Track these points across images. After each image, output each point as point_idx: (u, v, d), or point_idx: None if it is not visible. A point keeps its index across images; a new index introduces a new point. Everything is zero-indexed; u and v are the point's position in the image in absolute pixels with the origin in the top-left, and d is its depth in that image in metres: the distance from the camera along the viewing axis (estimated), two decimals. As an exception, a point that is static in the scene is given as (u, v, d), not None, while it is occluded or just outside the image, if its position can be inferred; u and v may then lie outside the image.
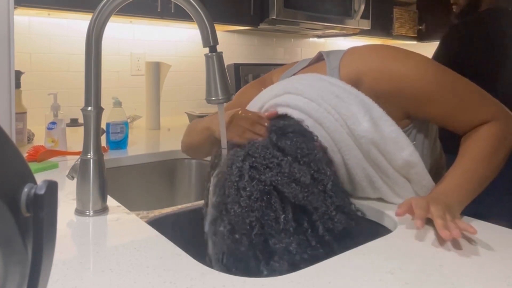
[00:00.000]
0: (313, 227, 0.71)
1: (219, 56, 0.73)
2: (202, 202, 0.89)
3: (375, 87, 0.82)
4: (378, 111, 0.79)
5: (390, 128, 0.78)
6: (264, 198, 0.68)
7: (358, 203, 0.88)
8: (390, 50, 0.85)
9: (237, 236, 0.68)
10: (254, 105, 0.91)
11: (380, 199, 0.87)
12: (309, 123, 0.79)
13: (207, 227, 0.76)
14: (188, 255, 0.63)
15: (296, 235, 0.69)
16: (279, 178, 0.69)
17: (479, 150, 0.80)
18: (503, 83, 1.73)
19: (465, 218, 0.79)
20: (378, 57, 0.83)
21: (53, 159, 1.19)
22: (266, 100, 0.88)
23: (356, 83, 0.83)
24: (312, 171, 0.71)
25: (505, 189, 1.71)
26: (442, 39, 1.87)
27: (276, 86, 0.88)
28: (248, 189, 0.68)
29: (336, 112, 0.79)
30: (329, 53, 0.91)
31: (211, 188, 0.78)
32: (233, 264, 0.69)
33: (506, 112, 0.84)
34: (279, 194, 0.70)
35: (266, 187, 0.69)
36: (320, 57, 0.94)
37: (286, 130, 0.77)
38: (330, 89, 0.80)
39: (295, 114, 0.81)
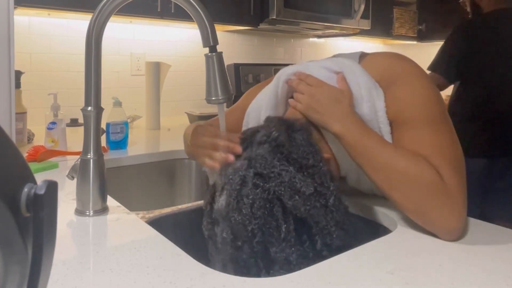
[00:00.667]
0: (312, 240, 0.71)
1: (219, 56, 0.73)
2: (202, 202, 0.89)
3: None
4: (380, 105, 0.79)
5: (381, 125, 0.79)
6: (267, 206, 0.68)
7: (359, 203, 0.88)
8: (406, 66, 0.82)
9: (239, 243, 0.68)
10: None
11: (380, 199, 0.87)
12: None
13: (206, 233, 0.76)
14: (188, 255, 0.63)
15: (296, 246, 0.69)
16: (282, 189, 0.68)
17: (406, 159, 0.72)
18: (508, 82, 1.74)
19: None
20: (393, 71, 0.83)
21: (53, 159, 1.19)
22: (283, 72, 0.88)
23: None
24: (316, 184, 0.70)
25: (509, 191, 1.71)
26: (448, 39, 1.87)
27: (297, 66, 0.89)
28: (251, 196, 0.67)
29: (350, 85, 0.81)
30: (341, 55, 0.92)
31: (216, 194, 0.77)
32: (234, 271, 0.69)
33: (453, 184, 0.70)
34: (281, 204, 0.69)
35: (270, 196, 0.68)
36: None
37: (295, 138, 0.75)
38: (351, 64, 0.83)
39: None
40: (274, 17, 2.04)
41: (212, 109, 1.87)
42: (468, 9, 1.98)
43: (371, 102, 0.79)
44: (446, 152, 0.73)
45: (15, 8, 1.17)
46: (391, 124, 0.79)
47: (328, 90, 0.79)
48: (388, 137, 0.78)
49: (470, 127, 1.71)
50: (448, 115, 0.79)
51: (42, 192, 0.30)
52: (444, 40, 1.89)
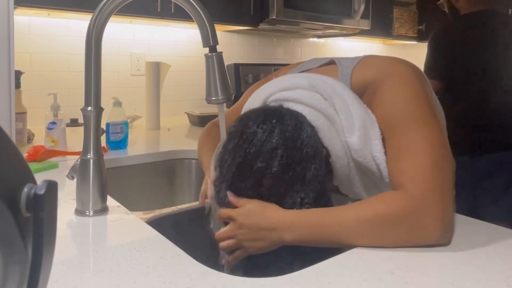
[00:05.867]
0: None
1: (219, 56, 0.73)
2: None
3: (367, 102, 0.80)
4: (375, 133, 0.77)
5: (376, 154, 0.76)
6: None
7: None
8: (397, 69, 0.80)
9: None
10: (258, 97, 0.86)
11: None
12: (321, 122, 0.77)
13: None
14: (188, 255, 0.63)
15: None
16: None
17: (365, 209, 0.69)
18: (490, 83, 1.74)
19: (464, 218, 0.79)
20: (383, 73, 0.80)
21: (53, 159, 1.19)
22: (273, 91, 0.83)
23: (360, 94, 0.82)
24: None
25: (501, 190, 1.72)
26: (430, 43, 1.89)
27: (286, 79, 0.84)
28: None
29: (339, 114, 0.78)
30: (340, 59, 0.89)
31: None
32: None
33: (425, 197, 0.67)
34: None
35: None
36: (331, 62, 0.91)
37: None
38: (343, 91, 0.79)
39: (305, 111, 0.77)
40: (274, 17, 2.04)
41: (212, 109, 1.87)
42: (447, 10, 1.99)
43: (362, 132, 0.76)
44: (425, 157, 0.70)
45: (15, 8, 1.17)
46: (384, 133, 0.77)
47: (248, 213, 0.73)
48: (383, 167, 0.76)
49: (456, 129, 1.72)
50: (435, 115, 0.76)
51: (42, 192, 0.30)
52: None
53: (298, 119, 0.75)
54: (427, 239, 0.67)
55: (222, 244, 0.75)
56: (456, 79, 1.77)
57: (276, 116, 0.74)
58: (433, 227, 0.66)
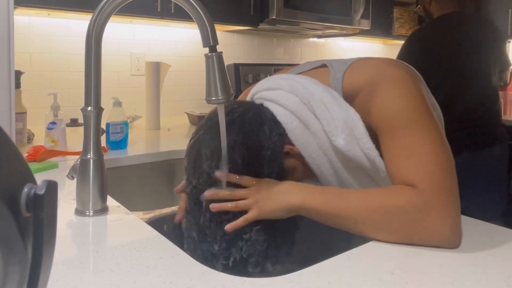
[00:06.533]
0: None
1: (219, 56, 0.73)
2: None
3: (361, 105, 0.80)
4: (361, 131, 0.77)
5: (368, 151, 0.77)
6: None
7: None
8: (392, 72, 0.80)
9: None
10: (249, 95, 0.93)
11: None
12: (294, 125, 0.80)
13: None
14: (188, 255, 0.63)
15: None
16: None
17: (374, 200, 0.69)
18: (464, 82, 1.75)
19: (464, 218, 0.79)
20: (378, 76, 0.80)
21: (53, 159, 1.19)
22: (258, 90, 0.88)
23: (353, 96, 0.82)
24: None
25: (483, 185, 1.72)
26: (406, 45, 1.90)
27: (272, 79, 0.88)
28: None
29: (319, 119, 0.79)
30: (332, 62, 0.89)
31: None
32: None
33: (432, 189, 0.67)
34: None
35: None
36: (323, 65, 0.91)
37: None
38: (321, 95, 0.79)
39: (280, 112, 0.81)
40: (274, 17, 2.04)
41: (212, 109, 1.86)
42: (424, 15, 2.01)
43: (346, 133, 0.76)
44: (430, 158, 0.70)
45: (15, 8, 1.17)
46: (376, 136, 0.77)
47: (265, 181, 0.76)
48: (378, 160, 0.76)
49: None
50: (433, 115, 0.76)
51: (42, 192, 0.30)
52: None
53: (261, 118, 0.80)
54: (432, 238, 0.66)
55: (238, 203, 0.74)
56: (430, 80, 1.78)
57: (240, 111, 0.80)
58: (441, 228, 0.66)
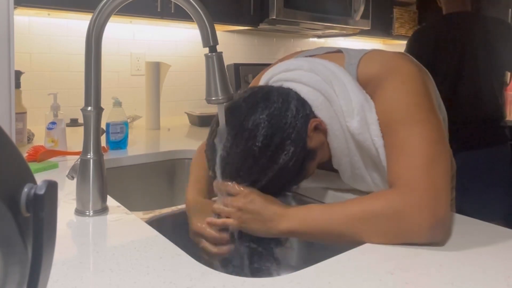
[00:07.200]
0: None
1: (219, 56, 0.73)
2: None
3: (370, 94, 0.81)
4: (372, 117, 0.78)
5: (375, 138, 0.77)
6: None
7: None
8: (403, 67, 0.80)
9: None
10: (262, 80, 0.91)
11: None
12: (320, 101, 0.80)
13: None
14: (188, 255, 0.63)
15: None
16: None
17: (356, 206, 0.71)
18: (465, 81, 1.76)
19: (464, 218, 0.79)
20: (390, 69, 0.80)
21: (53, 159, 1.19)
22: (274, 73, 0.88)
23: (364, 85, 0.82)
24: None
25: (485, 185, 1.72)
26: (409, 42, 1.91)
27: (288, 62, 0.88)
28: None
29: (339, 98, 0.79)
30: (348, 49, 0.90)
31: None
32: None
33: (420, 194, 0.67)
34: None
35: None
36: (339, 51, 0.92)
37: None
38: (342, 76, 0.81)
39: (304, 90, 0.81)
40: (274, 17, 2.04)
41: (212, 109, 1.87)
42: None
43: (361, 116, 0.77)
44: (418, 154, 0.71)
45: (15, 8, 1.17)
46: (382, 129, 0.77)
47: (253, 196, 0.75)
48: (381, 151, 0.77)
49: None
50: (434, 111, 0.77)
51: (42, 192, 0.30)
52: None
53: (286, 97, 0.78)
54: (415, 236, 0.66)
55: (226, 221, 0.76)
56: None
57: (262, 92, 0.79)
58: (421, 225, 0.66)
